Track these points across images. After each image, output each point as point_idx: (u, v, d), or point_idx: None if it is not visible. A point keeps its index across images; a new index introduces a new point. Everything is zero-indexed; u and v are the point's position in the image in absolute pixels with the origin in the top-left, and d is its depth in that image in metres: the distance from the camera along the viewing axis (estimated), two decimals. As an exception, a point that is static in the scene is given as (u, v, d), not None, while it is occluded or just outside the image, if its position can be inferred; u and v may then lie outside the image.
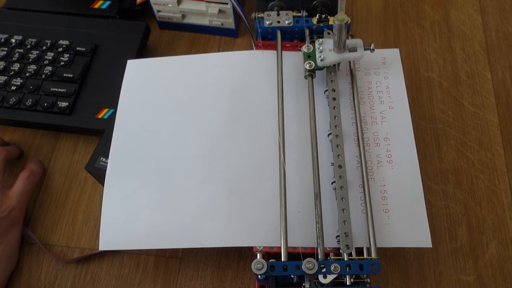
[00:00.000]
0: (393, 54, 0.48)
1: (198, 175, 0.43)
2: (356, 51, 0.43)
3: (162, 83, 0.48)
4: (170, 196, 0.42)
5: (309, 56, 0.44)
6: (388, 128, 0.44)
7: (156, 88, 0.48)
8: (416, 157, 0.42)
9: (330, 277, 0.36)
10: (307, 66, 0.44)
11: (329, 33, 0.46)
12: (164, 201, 0.42)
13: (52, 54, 0.54)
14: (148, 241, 0.41)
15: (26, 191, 0.48)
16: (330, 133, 0.42)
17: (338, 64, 0.45)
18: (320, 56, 0.43)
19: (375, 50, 0.48)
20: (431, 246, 0.39)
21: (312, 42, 0.45)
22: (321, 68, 0.44)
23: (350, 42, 0.43)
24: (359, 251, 0.39)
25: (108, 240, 0.41)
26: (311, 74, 0.44)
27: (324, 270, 0.36)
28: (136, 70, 0.49)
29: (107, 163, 0.44)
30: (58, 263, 0.47)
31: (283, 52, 0.47)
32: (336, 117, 0.42)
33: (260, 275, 0.37)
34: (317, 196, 0.39)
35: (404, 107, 0.45)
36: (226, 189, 0.42)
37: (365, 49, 0.43)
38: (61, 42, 0.55)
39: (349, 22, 0.40)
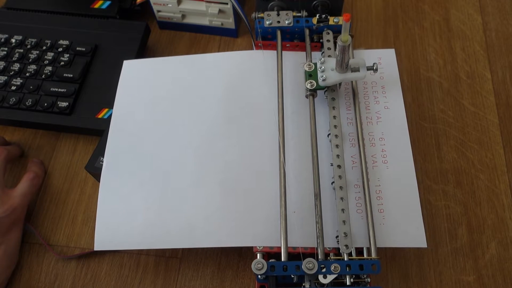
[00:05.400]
0: (388, 55, 0.48)
1: (195, 175, 0.43)
2: (358, 71, 0.42)
3: (158, 83, 0.48)
4: (166, 196, 0.42)
5: (311, 75, 0.43)
6: (383, 128, 0.44)
7: (153, 88, 0.48)
8: (411, 157, 0.42)
9: (330, 277, 0.36)
10: (309, 86, 0.43)
11: (328, 33, 0.46)
12: (160, 201, 0.42)
13: (52, 54, 0.54)
14: (144, 241, 0.41)
15: (29, 193, 0.48)
16: (330, 133, 0.42)
17: (340, 83, 0.44)
18: (322, 76, 0.42)
19: (371, 50, 0.48)
20: (426, 247, 0.39)
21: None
22: (322, 88, 0.44)
23: (352, 62, 0.42)
24: (359, 251, 0.39)
25: (103, 240, 0.41)
26: (312, 93, 0.44)
27: (324, 270, 0.36)
28: (133, 70, 0.49)
29: (107, 163, 0.44)
30: (58, 263, 0.47)
31: (283, 52, 0.47)
32: (336, 117, 0.42)
33: (260, 275, 0.37)
34: (317, 196, 0.39)
35: (400, 107, 0.45)
36: (223, 188, 0.42)
37: (368, 69, 0.42)
38: (61, 42, 0.55)
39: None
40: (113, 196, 0.43)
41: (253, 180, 0.42)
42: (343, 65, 0.42)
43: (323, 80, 0.43)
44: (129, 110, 0.47)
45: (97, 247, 0.41)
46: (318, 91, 0.44)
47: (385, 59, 0.47)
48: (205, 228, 0.41)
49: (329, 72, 0.43)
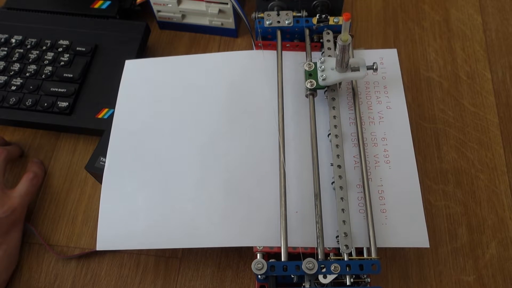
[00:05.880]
0: (391, 54, 0.48)
1: (196, 175, 0.43)
2: (358, 70, 0.42)
3: (160, 83, 0.48)
4: (168, 196, 0.42)
5: (311, 75, 0.43)
6: (386, 128, 0.44)
7: (154, 88, 0.48)
8: (413, 157, 0.42)
9: (330, 277, 0.36)
10: (309, 85, 0.43)
11: (328, 33, 0.46)
12: (162, 201, 0.42)
13: (52, 54, 0.54)
14: (145, 241, 0.41)
15: (29, 193, 0.48)
16: (330, 133, 0.42)
17: (340, 83, 0.44)
18: (322, 75, 0.42)
19: (373, 50, 0.48)
20: (428, 247, 0.39)
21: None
22: (322, 87, 0.43)
23: (352, 61, 0.42)
24: (359, 251, 0.39)
25: (105, 240, 0.41)
26: (312, 93, 0.44)
27: (324, 270, 0.36)
28: (134, 70, 0.49)
29: (107, 163, 0.44)
30: (58, 263, 0.47)
31: (283, 52, 0.47)
32: (336, 117, 0.42)
33: (260, 275, 0.37)
34: (317, 196, 0.39)
35: (402, 107, 0.45)
36: (224, 189, 0.42)
37: (368, 68, 0.42)
38: (61, 42, 0.55)
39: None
40: (115, 196, 0.43)
41: (254, 180, 0.42)
42: (343, 65, 0.42)
43: (323, 79, 0.42)
44: (131, 110, 0.47)
45: (100, 247, 0.41)
46: (318, 91, 0.44)
47: (387, 59, 0.47)
48: (208, 228, 0.41)
49: (329, 72, 0.43)
